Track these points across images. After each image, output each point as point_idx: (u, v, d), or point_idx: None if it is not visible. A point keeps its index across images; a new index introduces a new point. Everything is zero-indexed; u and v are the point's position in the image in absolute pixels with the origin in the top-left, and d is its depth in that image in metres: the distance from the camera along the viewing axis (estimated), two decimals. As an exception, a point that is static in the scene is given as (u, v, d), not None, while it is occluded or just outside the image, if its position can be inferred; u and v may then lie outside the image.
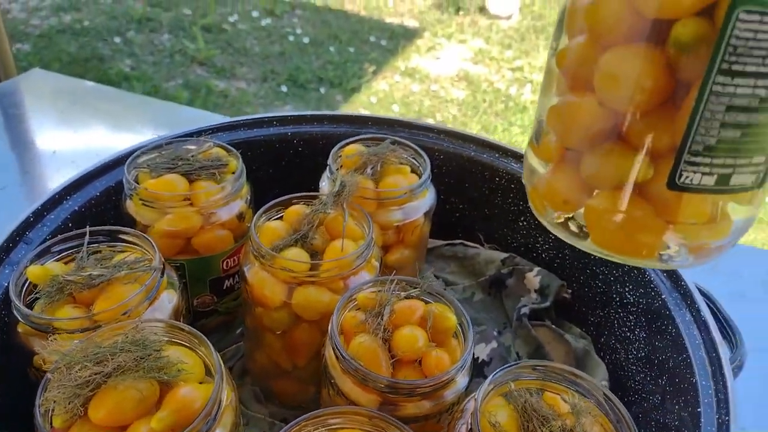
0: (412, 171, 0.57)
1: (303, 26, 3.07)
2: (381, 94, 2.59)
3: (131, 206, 0.50)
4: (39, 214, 0.49)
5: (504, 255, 0.64)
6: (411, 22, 3.22)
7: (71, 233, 0.44)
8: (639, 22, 0.23)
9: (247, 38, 2.90)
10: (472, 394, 0.38)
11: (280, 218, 0.49)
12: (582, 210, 0.28)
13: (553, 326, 0.57)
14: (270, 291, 0.45)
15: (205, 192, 0.49)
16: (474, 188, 0.64)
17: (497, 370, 0.37)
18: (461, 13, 3.30)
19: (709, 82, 0.23)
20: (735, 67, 0.23)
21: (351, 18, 3.20)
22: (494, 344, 0.57)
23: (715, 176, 0.25)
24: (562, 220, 0.29)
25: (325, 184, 0.56)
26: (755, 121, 0.24)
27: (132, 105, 0.99)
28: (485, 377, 0.36)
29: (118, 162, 0.54)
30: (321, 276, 0.44)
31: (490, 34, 3.12)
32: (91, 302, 0.40)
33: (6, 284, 0.42)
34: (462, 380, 0.40)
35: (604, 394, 0.37)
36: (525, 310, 0.58)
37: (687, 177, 0.25)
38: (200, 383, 0.36)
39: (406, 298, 0.42)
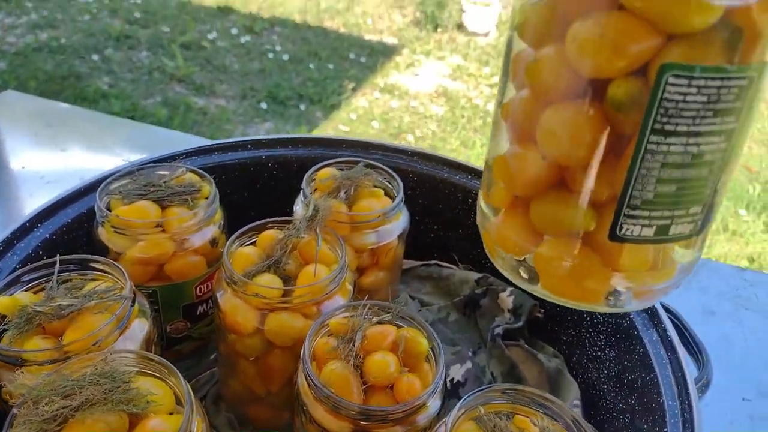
0: (386, 194, 0.58)
1: (282, 43, 3.08)
2: (361, 111, 2.60)
3: (103, 233, 0.50)
4: (9, 243, 0.48)
5: (478, 275, 0.64)
6: (390, 39, 3.26)
7: (41, 262, 0.43)
8: (577, 81, 0.24)
9: (226, 55, 2.90)
10: (444, 419, 0.38)
11: (253, 243, 0.49)
12: (532, 255, 0.29)
13: (527, 346, 0.58)
14: (242, 317, 0.45)
15: (177, 218, 0.49)
16: (448, 209, 0.65)
17: (467, 395, 0.37)
18: (439, 30, 3.34)
19: (644, 141, 0.24)
20: (667, 128, 0.23)
21: (330, 35, 3.23)
22: (469, 364, 0.58)
23: (654, 228, 0.26)
24: (513, 264, 0.30)
25: (299, 208, 0.56)
26: (689, 176, 0.25)
27: (107, 126, 0.98)
28: (460, 398, 0.37)
29: (90, 188, 0.54)
30: (294, 302, 0.45)
31: (468, 50, 3.16)
32: (62, 333, 0.40)
33: (-27, 315, 0.41)
34: (434, 405, 0.40)
35: (573, 417, 0.38)
36: (499, 330, 0.59)
37: (627, 229, 0.26)
38: (171, 414, 0.36)
39: (378, 323, 0.43)
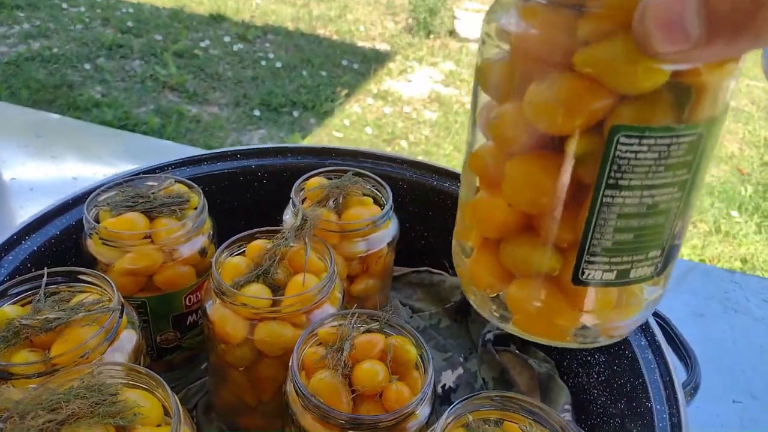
0: (375, 202, 0.58)
1: (275, 51, 3.09)
2: (354, 117, 2.61)
3: (92, 245, 0.50)
4: (-3, 256, 0.48)
5: (469, 281, 0.64)
6: (383, 46, 3.27)
7: (28, 275, 0.43)
8: (536, 137, 0.25)
9: (219, 63, 2.91)
10: (433, 426, 0.38)
11: (242, 253, 0.49)
12: (504, 294, 0.30)
13: (518, 351, 0.58)
14: (232, 328, 0.45)
15: (165, 229, 0.49)
16: (437, 216, 0.65)
17: (455, 403, 0.38)
18: (432, 36, 3.35)
19: (599, 195, 0.25)
20: (621, 182, 0.24)
21: (323, 42, 3.24)
22: (460, 370, 0.58)
23: (615, 272, 0.27)
24: (487, 301, 0.31)
25: (288, 217, 0.56)
26: (646, 224, 0.26)
27: (98, 137, 0.98)
28: (452, 404, 0.37)
29: (78, 200, 0.54)
30: (283, 311, 0.45)
31: (461, 56, 3.17)
32: (49, 346, 0.40)
33: (-39, 329, 0.41)
34: (423, 412, 0.40)
35: (561, 423, 0.38)
36: (490, 335, 0.59)
37: (588, 274, 0.27)
38: (159, 426, 0.36)
39: (367, 331, 0.43)
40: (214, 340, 0.47)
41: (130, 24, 3.17)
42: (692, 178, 0.26)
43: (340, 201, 0.56)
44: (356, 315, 0.43)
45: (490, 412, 0.39)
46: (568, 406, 0.53)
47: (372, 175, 0.59)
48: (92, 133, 0.99)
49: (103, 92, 2.57)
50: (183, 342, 0.54)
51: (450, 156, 2.38)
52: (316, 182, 0.57)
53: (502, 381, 0.57)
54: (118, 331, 0.42)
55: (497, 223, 0.29)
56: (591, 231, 0.25)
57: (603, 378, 0.50)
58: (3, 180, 0.86)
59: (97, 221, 0.50)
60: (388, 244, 0.56)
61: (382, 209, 0.56)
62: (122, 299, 0.44)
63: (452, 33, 3.36)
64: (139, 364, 0.41)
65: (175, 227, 0.49)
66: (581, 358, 0.54)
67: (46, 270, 0.43)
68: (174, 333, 0.53)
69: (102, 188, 0.52)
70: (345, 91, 2.76)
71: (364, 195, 0.58)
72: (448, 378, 0.57)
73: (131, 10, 3.34)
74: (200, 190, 0.53)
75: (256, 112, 2.55)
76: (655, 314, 0.50)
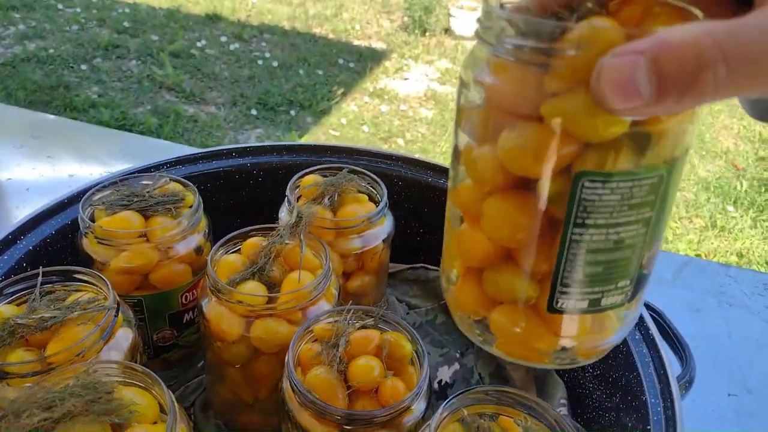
0: (370, 199, 0.58)
1: (272, 50, 3.09)
2: (351, 116, 2.61)
3: (87, 244, 0.50)
4: (-8, 256, 0.48)
5: (465, 277, 0.65)
6: (378, 44, 3.27)
7: (23, 275, 0.43)
8: (511, 177, 0.27)
9: (215, 63, 2.91)
10: (429, 422, 0.38)
11: (238, 251, 0.49)
12: (488, 319, 0.32)
13: (514, 347, 0.58)
14: (227, 325, 0.45)
15: (161, 228, 0.49)
16: (433, 213, 0.65)
17: (451, 397, 0.38)
18: (427, 34, 3.35)
19: (568, 232, 0.27)
20: (587, 221, 0.26)
21: (319, 41, 3.23)
22: (457, 366, 0.58)
23: (587, 301, 0.28)
24: (472, 325, 0.33)
25: (284, 215, 0.56)
26: (613, 257, 0.28)
27: (94, 137, 0.98)
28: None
29: (73, 200, 0.54)
30: (278, 308, 0.45)
31: (456, 54, 3.18)
32: (45, 345, 0.40)
33: (-44, 329, 0.41)
34: (418, 407, 0.40)
35: (556, 417, 0.38)
36: (486, 331, 0.59)
37: (561, 303, 0.28)
38: (155, 423, 0.36)
39: (362, 327, 0.43)
40: (210, 338, 0.47)
41: (126, 24, 3.16)
42: (656, 214, 0.27)
43: (336, 198, 0.56)
44: (352, 311, 0.44)
45: (485, 407, 0.39)
46: (564, 401, 0.53)
47: (367, 173, 0.59)
48: (88, 133, 0.99)
49: (100, 93, 2.57)
50: (180, 340, 0.54)
51: (446, 153, 2.38)
52: (311, 180, 0.58)
53: (499, 376, 0.57)
54: (114, 330, 0.42)
55: (479, 254, 0.30)
56: (562, 264, 0.27)
57: (598, 372, 0.51)
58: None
59: (93, 220, 0.50)
60: (384, 241, 0.56)
61: (377, 206, 0.56)
62: (118, 298, 0.44)
63: (448, 31, 3.36)
64: (136, 363, 0.41)
65: (170, 225, 0.49)
66: (577, 352, 0.54)
67: (41, 269, 0.44)
68: (170, 331, 0.53)
69: (97, 187, 0.52)
70: (341, 90, 2.76)
71: (359, 192, 0.58)
72: (445, 374, 0.58)
73: (127, 11, 3.34)
74: (195, 189, 0.53)
75: (253, 112, 2.55)
76: (649, 308, 0.50)
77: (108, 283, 0.43)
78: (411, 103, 2.73)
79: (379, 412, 0.38)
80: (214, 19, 3.36)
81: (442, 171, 0.65)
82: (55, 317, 0.40)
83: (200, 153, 0.63)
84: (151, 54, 2.90)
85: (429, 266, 0.68)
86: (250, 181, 0.65)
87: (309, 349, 0.42)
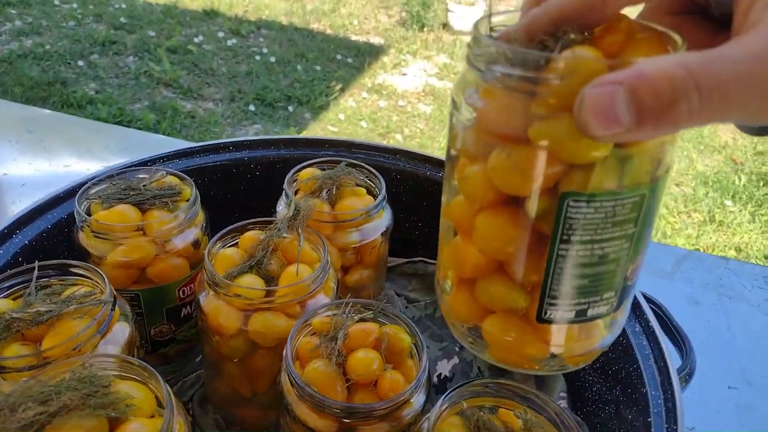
0: (368, 192, 0.58)
1: (269, 46, 3.08)
2: (349, 111, 2.60)
3: (83, 238, 0.49)
4: (-13, 250, 0.48)
5: (464, 271, 0.64)
6: (376, 40, 3.26)
7: (19, 269, 0.43)
8: (500, 195, 0.29)
9: (213, 59, 2.90)
10: (428, 414, 0.38)
11: (235, 245, 0.49)
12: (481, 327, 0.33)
13: (513, 340, 0.58)
14: (225, 319, 0.45)
15: (157, 221, 0.49)
16: (431, 206, 0.65)
17: (450, 390, 0.38)
18: (425, 29, 3.34)
19: (555, 248, 0.28)
20: (573, 238, 0.28)
21: (317, 36, 3.22)
22: (456, 360, 0.58)
23: (574, 312, 0.30)
24: (465, 332, 0.34)
25: (281, 209, 0.56)
26: (598, 271, 0.29)
27: (90, 131, 0.98)
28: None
29: (69, 194, 0.54)
30: (276, 302, 0.44)
31: (455, 49, 3.17)
32: (41, 339, 0.40)
33: (-48, 324, 0.41)
34: (418, 400, 0.40)
35: (556, 409, 0.38)
36: (485, 325, 0.59)
37: (549, 313, 0.30)
38: (152, 417, 0.36)
39: (361, 320, 0.43)
40: (208, 332, 0.46)
41: (123, 20, 3.15)
42: (638, 230, 0.29)
43: (333, 192, 0.56)
44: (350, 304, 0.43)
45: (485, 399, 0.39)
46: (563, 394, 0.53)
47: (365, 166, 0.59)
48: (84, 128, 0.99)
49: (97, 89, 2.56)
50: (177, 334, 0.54)
51: (445, 149, 2.37)
52: (308, 173, 0.57)
53: (498, 370, 0.57)
54: (111, 324, 0.42)
55: (471, 265, 0.32)
56: (550, 278, 0.29)
57: (598, 365, 0.50)
58: (-5, 176, 0.85)
59: (89, 214, 0.49)
60: (382, 234, 0.56)
61: (375, 199, 0.56)
62: (115, 292, 0.43)
63: (446, 26, 3.35)
64: (133, 357, 0.41)
65: (167, 219, 0.49)
66: (576, 345, 0.54)
67: (37, 263, 0.43)
68: (168, 325, 0.53)
69: (93, 181, 0.52)
70: (339, 86, 2.76)
71: (357, 185, 0.58)
72: (444, 367, 0.57)
73: (124, 6, 3.32)
74: (192, 182, 0.53)
75: (251, 107, 2.54)
76: (649, 301, 0.50)
77: (104, 276, 0.43)
78: (409, 99, 2.73)
79: (378, 404, 0.38)
80: (211, 14, 3.35)
81: (440, 164, 0.65)
82: (51, 311, 0.40)
83: (197, 147, 0.63)
84: (148, 50, 2.88)
85: (427, 260, 0.68)
86: (248, 175, 0.65)
87: (307, 343, 0.41)
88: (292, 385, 0.39)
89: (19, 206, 0.55)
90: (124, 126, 2.23)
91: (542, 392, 0.39)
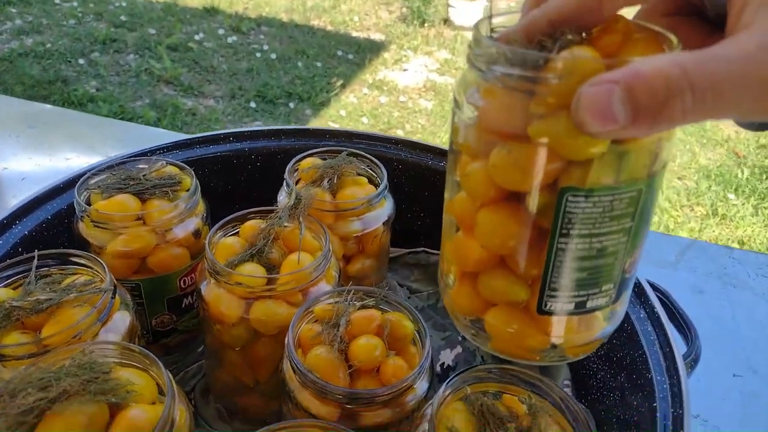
0: (370, 182, 0.57)
1: (270, 42, 3.07)
2: (350, 107, 2.60)
3: (83, 228, 0.49)
4: (-13, 240, 0.48)
5: (466, 261, 0.64)
6: (377, 36, 3.25)
7: (19, 258, 0.43)
8: (501, 191, 0.30)
9: (213, 56, 2.89)
10: (431, 400, 0.38)
11: (236, 234, 0.49)
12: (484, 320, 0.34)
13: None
14: (227, 307, 0.44)
15: (158, 210, 0.48)
16: (433, 196, 0.64)
17: (453, 375, 0.37)
18: (426, 25, 3.33)
19: (555, 241, 0.29)
20: (572, 232, 0.28)
21: (318, 33, 3.22)
22: (459, 349, 0.58)
23: (573, 304, 0.31)
24: (468, 325, 0.35)
25: (282, 198, 0.56)
26: (597, 264, 0.30)
27: (91, 126, 0.98)
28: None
29: (69, 185, 0.53)
30: (278, 290, 0.44)
31: (456, 45, 3.16)
32: (41, 327, 0.39)
33: (-49, 313, 0.41)
34: (421, 386, 0.40)
35: (560, 394, 0.37)
36: (488, 314, 0.59)
37: (549, 305, 0.31)
38: (153, 404, 0.35)
39: (363, 308, 0.42)
40: (209, 321, 0.46)
41: (123, 18, 3.15)
42: (636, 224, 0.29)
43: (335, 181, 0.55)
44: (352, 292, 0.43)
45: (488, 385, 0.39)
46: (567, 382, 0.53)
47: (367, 155, 0.58)
48: (86, 123, 0.98)
49: (98, 87, 2.56)
50: (179, 325, 0.54)
51: (446, 144, 2.37)
52: (309, 162, 0.57)
53: (501, 360, 0.56)
54: (111, 312, 0.41)
55: (474, 260, 0.33)
56: (550, 271, 0.30)
57: (602, 352, 0.50)
58: (-4, 171, 0.85)
59: (89, 204, 0.49)
60: (384, 224, 0.56)
61: (377, 189, 0.56)
62: (115, 281, 0.43)
63: (447, 21, 3.34)
64: (134, 345, 0.41)
65: (167, 208, 0.49)
66: (580, 333, 0.53)
67: (36, 252, 0.43)
68: (169, 316, 0.52)
69: (93, 171, 0.51)
70: (340, 82, 2.75)
71: (359, 175, 0.57)
72: (447, 357, 0.57)
73: (124, 4, 3.32)
74: (192, 172, 0.53)
75: (252, 104, 2.54)
76: (654, 288, 0.49)
77: (104, 265, 0.43)
78: (410, 95, 2.72)
79: (381, 390, 0.37)
80: (211, 11, 3.34)
81: (441, 154, 0.64)
82: (50, 299, 0.39)
83: (197, 138, 0.63)
84: (148, 48, 2.88)
85: (429, 250, 0.67)
86: (248, 166, 0.64)
87: (309, 330, 0.41)
88: (294, 371, 0.39)
89: (19, 200, 0.55)
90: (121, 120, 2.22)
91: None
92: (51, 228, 0.52)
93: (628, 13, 0.30)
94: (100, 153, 0.90)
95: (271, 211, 0.49)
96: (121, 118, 2.33)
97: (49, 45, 2.82)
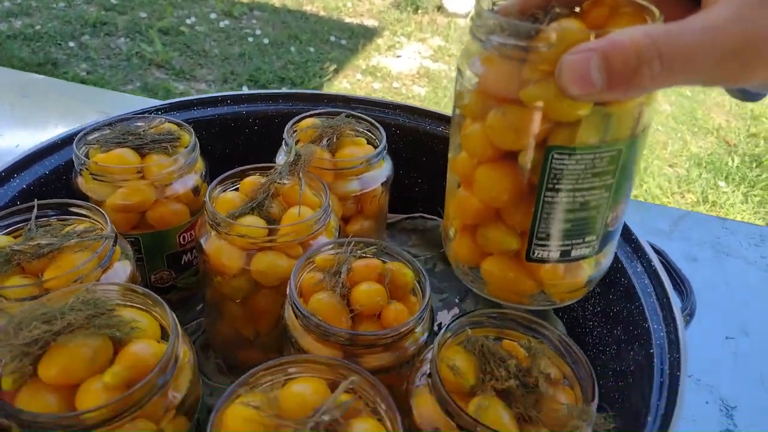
0: (368, 143, 0.57)
1: (262, 27, 3.05)
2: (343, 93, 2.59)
3: (82, 182, 0.49)
4: (-15, 193, 0.48)
5: (463, 226, 0.65)
6: (370, 22, 3.24)
7: (18, 207, 0.43)
8: (497, 150, 0.33)
9: (205, 40, 2.87)
10: (431, 346, 0.38)
11: (236, 190, 0.49)
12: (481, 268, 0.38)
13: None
14: (228, 259, 0.44)
15: (157, 164, 0.48)
16: (431, 161, 0.65)
17: (453, 319, 0.38)
18: (420, 12, 3.33)
19: (542, 195, 0.32)
20: (557, 186, 0.32)
21: (310, 18, 3.20)
22: (456, 310, 0.58)
23: (558, 252, 0.34)
24: (467, 272, 0.40)
25: (281, 159, 0.56)
26: (580, 216, 0.33)
27: (85, 96, 0.97)
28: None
29: (67, 141, 0.53)
30: (279, 240, 0.44)
31: (449, 31, 3.15)
32: (42, 272, 0.39)
33: (-49, 259, 0.40)
34: (422, 332, 0.40)
35: (560, 337, 0.38)
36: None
37: (537, 253, 0.34)
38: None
39: (363, 257, 0.43)
40: (210, 274, 0.46)
41: (113, 1, 3.11)
42: (617, 181, 0.33)
43: (334, 141, 0.55)
44: (353, 243, 0.43)
45: (488, 330, 0.39)
46: (564, 340, 0.53)
47: (365, 117, 0.58)
48: (79, 93, 0.98)
49: (89, 70, 2.53)
50: (178, 282, 0.54)
51: (444, 111, 2.37)
52: (309, 122, 0.57)
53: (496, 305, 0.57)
54: (112, 260, 0.41)
55: (473, 213, 0.36)
56: (537, 221, 0.33)
57: (598, 309, 0.51)
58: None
59: (87, 158, 0.49)
60: (383, 184, 0.56)
61: (375, 150, 0.56)
62: (116, 230, 0.43)
63: (440, 8, 3.33)
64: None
65: (166, 163, 0.49)
66: (577, 292, 0.54)
67: (36, 201, 0.43)
68: (168, 272, 0.52)
69: (91, 127, 0.51)
70: (333, 67, 2.74)
71: (357, 136, 0.57)
72: (444, 318, 0.58)
73: (114, -12, 3.28)
74: (191, 129, 0.53)
75: (244, 89, 2.52)
76: (650, 244, 0.50)
77: (105, 214, 0.43)
78: (404, 81, 2.72)
79: (383, 332, 0.38)
80: (203, -4, 3.31)
81: (440, 118, 0.64)
82: (51, 244, 0.39)
83: (195, 99, 0.62)
84: (139, 31, 2.85)
85: (427, 216, 0.68)
86: (246, 129, 0.64)
87: (311, 277, 0.41)
88: (297, 316, 0.39)
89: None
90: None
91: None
92: (49, 183, 0.51)
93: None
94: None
95: (271, 168, 0.49)
96: (113, 101, 2.31)
97: (38, 27, 2.78)
